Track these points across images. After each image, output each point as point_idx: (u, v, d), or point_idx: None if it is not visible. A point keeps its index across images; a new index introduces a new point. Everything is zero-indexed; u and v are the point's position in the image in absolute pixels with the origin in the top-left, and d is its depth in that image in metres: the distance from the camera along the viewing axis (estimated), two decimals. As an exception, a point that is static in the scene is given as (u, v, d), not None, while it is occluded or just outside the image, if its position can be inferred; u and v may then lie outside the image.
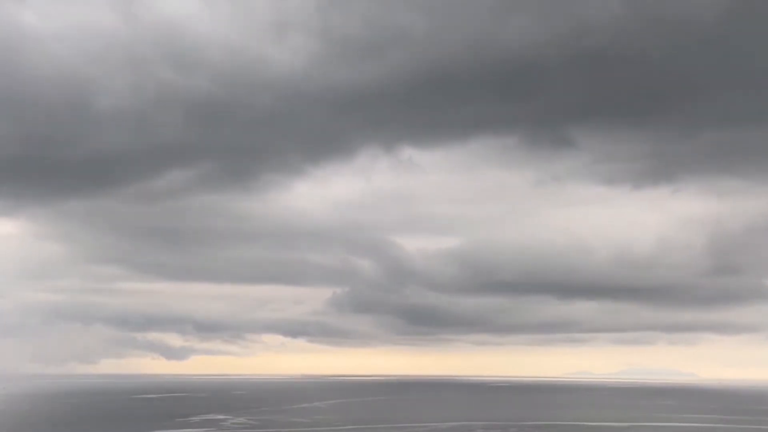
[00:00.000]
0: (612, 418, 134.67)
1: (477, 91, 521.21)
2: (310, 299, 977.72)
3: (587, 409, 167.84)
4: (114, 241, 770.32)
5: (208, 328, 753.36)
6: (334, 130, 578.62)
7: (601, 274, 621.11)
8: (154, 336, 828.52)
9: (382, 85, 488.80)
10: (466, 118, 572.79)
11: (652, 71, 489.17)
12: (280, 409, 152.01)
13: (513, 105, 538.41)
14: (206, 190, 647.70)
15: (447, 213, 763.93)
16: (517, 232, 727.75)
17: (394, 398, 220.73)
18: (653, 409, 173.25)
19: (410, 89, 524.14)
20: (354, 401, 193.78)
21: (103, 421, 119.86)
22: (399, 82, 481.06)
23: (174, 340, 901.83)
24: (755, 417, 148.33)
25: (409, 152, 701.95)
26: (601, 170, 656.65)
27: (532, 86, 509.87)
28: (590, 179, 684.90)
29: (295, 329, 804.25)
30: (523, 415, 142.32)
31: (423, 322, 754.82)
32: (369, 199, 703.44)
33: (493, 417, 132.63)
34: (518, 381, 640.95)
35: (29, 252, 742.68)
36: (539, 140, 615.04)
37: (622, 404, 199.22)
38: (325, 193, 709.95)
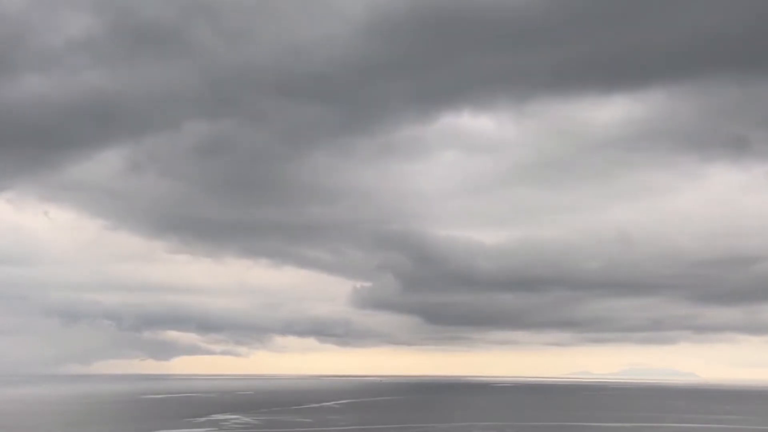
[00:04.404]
0: (615, 419, 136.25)
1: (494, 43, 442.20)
2: (327, 294, 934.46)
3: (589, 410, 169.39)
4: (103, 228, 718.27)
5: (215, 328, 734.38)
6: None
7: (643, 270, 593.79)
8: (156, 335, 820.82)
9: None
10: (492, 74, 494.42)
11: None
12: (289, 409, 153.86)
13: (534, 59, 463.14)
14: (204, 158, 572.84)
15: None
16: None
17: (397, 400, 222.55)
18: (656, 409, 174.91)
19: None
20: (359, 402, 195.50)
21: (110, 421, 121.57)
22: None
23: (178, 339, 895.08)
24: (747, 417, 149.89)
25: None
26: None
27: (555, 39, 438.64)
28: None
29: (309, 328, 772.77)
30: (522, 415, 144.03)
31: (444, 320, 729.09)
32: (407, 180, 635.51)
33: (493, 418, 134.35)
34: (515, 382, 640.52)
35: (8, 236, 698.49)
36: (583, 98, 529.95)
37: (625, 405, 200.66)
38: (348, 172, 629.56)
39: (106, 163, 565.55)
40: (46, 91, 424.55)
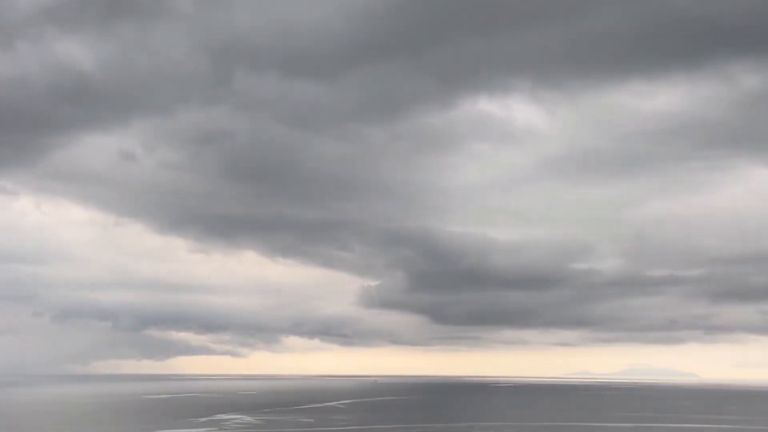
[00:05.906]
0: (617, 419, 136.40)
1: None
2: (336, 293, 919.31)
3: (588, 410, 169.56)
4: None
5: (218, 328, 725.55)
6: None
7: (661, 268, 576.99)
8: (157, 335, 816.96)
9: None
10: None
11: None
12: (291, 409, 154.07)
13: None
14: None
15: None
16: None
17: (399, 400, 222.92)
18: (654, 409, 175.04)
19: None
20: (361, 402, 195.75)
21: (111, 422, 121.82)
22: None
23: (179, 339, 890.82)
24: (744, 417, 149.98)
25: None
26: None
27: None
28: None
29: (316, 328, 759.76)
30: (521, 415, 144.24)
31: (451, 319, 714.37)
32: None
33: (492, 418, 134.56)
34: (514, 382, 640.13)
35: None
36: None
37: (628, 405, 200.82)
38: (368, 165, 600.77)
39: (98, 150, 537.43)
40: (19, 69, 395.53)
